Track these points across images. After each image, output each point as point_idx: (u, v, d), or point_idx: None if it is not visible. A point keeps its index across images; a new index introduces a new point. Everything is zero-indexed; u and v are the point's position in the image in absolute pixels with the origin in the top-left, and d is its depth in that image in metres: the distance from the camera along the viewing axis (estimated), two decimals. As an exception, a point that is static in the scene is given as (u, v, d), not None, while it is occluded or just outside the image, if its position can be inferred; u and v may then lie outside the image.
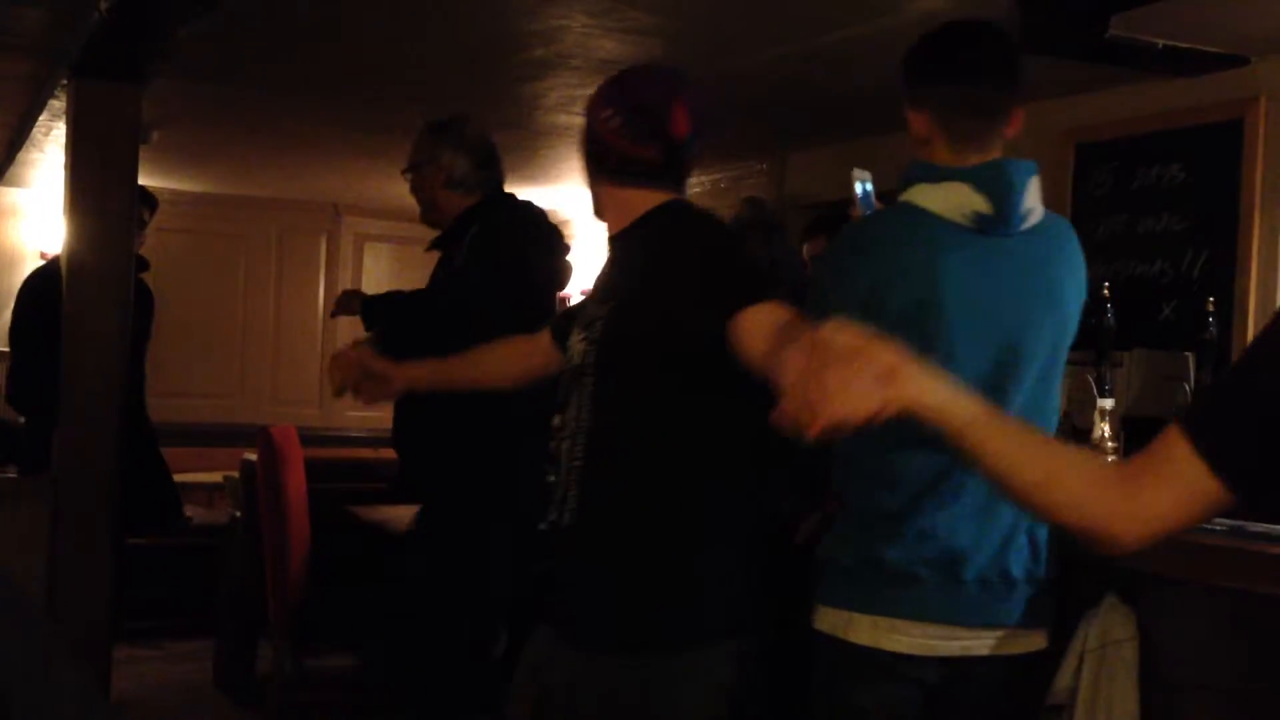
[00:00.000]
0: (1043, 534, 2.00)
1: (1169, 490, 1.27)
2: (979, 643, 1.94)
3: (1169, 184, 3.72)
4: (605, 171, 2.02)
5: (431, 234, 3.14)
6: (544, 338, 2.26)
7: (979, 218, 1.91)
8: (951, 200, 1.93)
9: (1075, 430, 2.86)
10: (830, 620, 1.93)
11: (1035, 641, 2.00)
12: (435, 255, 3.15)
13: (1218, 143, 3.58)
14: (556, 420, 1.98)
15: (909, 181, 1.99)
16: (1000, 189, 1.93)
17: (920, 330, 1.77)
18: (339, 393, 2.35)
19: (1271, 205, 3.51)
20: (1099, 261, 3.91)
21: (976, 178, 1.93)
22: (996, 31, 2.04)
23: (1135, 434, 2.81)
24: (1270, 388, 1.19)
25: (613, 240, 2.06)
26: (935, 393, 1.23)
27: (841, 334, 1.22)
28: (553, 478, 1.96)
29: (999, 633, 1.95)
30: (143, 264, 4.14)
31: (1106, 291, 2.85)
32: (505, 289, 2.91)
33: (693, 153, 2.02)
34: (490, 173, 3.09)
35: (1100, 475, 1.30)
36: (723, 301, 1.84)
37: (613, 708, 1.89)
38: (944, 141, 1.98)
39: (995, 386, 1.86)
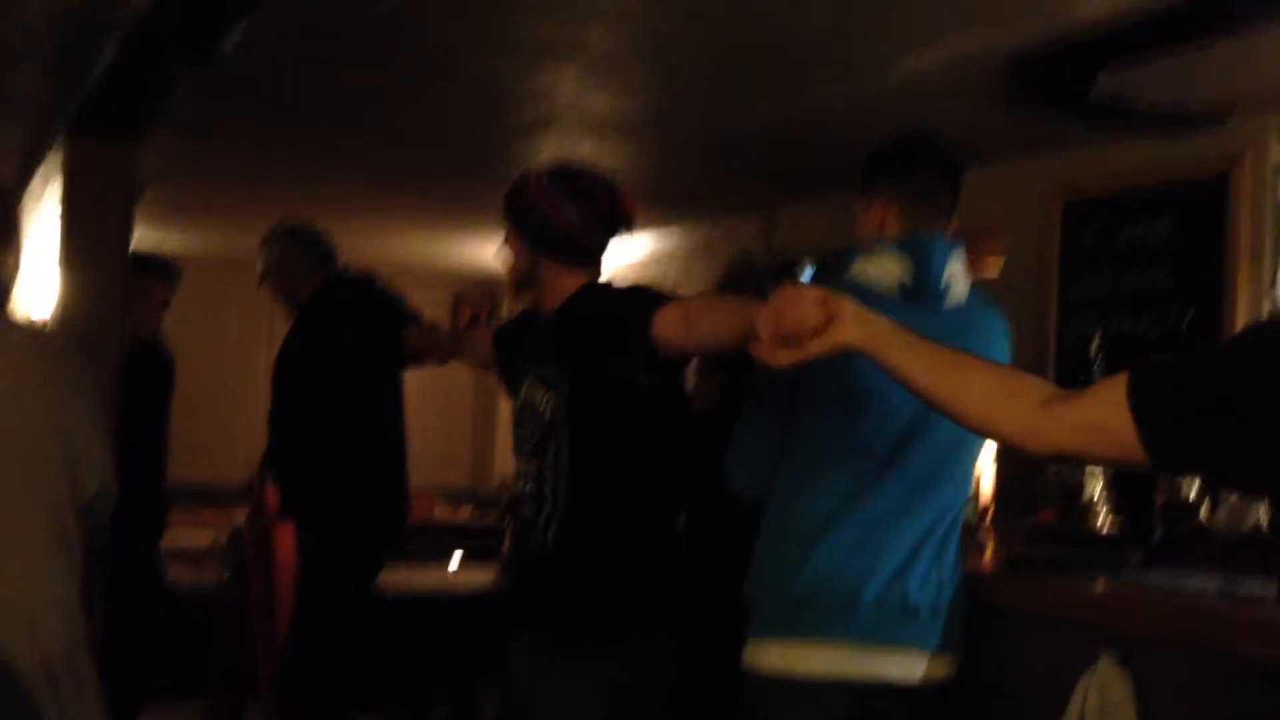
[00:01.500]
0: (948, 564, 2.15)
1: (1087, 412, 1.42)
2: (883, 666, 2.07)
3: (1155, 240, 3.75)
4: (552, 253, 2.40)
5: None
6: (489, 343, 2.79)
7: (902, 287, 2.16)
8: (881, 270, 2.18)
9: (1065, 488, 2.87)
10: (749, 654, 2.16)
11: (941, 667, 2.14)
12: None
13: (1203, 199, 3.62)
14: (532, 464, 2.37)
15: (849, 260, 2.28)
16: (920, 258, 2.19)
17: (842, 385, 2.08)
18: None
19: (1257, 260, 3.54)
20: (1086, 317, 3.94)
21: (901, 247, 2.18)
22: (948, 145, 2.44)
23: (1125, 490, 2.82)
24: (1213, 371, 1.32)
25: (554, 312, 2.43)
26: (866, 325, 1.61)
27: (802, 289, 1.65)
28: (531, 510, 2.36)
29: (901, 656, 2.09)
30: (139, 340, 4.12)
31: (1095, 348, 2.87)
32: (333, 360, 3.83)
33: (631, 227, 2.47)
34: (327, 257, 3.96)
35: (1016, 389, 1.54)
36: (638, 316, 2.19)
37: (589, 692, 2.27)
38: (896, 229, 2.25)
39: (897, 448, 2.14)
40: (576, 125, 3.99)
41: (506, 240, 2.47)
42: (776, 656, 2.08)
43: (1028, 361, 4.12)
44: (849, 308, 1.60)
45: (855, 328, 1.59)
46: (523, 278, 2.45)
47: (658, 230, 5.94)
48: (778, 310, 1.61)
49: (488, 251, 6.59)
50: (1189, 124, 3.57)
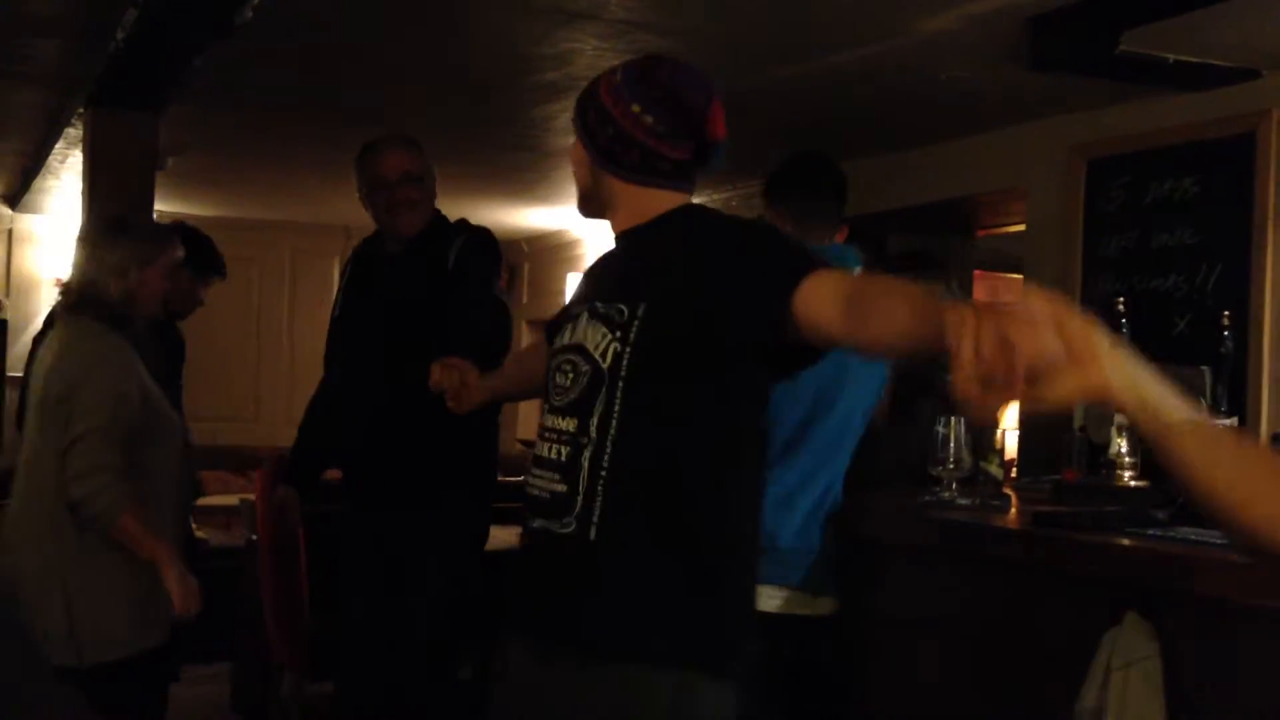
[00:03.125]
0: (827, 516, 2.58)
1: None
2: (785, 601, 2.48)
3: (1182, 198, 3.72)
4: (622, 167, 1.89)
5: None
6: (537, 348, 2.28)
7: None
8: None
9: (1091, 446, 2.86)
10: None
11: (827, 605, 2.59)
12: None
13: (1230, 156, 3.59)
14: (566, 423, 1.83)
15: None
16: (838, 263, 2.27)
17: None
18: (438, 392, 2.42)
19: (1284, 218, 3.51)
20: (1112, 276, 3.92)
21: (823, 253, 2.18)
22: (836, 166, 2.62)
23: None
24: None
25: (623, 236, 1.95)
26: (1137, 388, 1.12)
27: (1035, 299, 1.10)
28: (563, 485, 1.82)
29: (797, 593, 2.51)
30: (172, 313, 4.08)
31: (1121, 306, 2.86)
32: (495, 311, 3.11)
33: (721, 157, 1.95)
34: None
35: None
36: (780, 280, 1.69)
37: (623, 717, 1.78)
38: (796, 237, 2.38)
39: (801, 429, 2.47)
40: (596, 89, 3.98)
41: (573, 147, 1.97)
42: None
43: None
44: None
45: (1113, 376, 1.11)
46: (586, 193, 1.97)
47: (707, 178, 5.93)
48: (1000, 332, 1.11)
49: (503, 215, 6.60)
50: (1215, 80, 3.53)
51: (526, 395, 2.44)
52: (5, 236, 6.78)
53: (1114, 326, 2.81)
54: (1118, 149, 3.93)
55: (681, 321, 1.78)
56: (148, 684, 2.79)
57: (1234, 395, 3.03)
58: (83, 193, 3.91)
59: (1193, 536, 2.26)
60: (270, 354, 7.21)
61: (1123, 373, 1.11)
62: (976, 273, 5.63)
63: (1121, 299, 3.18)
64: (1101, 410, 2.83)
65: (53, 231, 6.79)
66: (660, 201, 1.91)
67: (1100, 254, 3.96)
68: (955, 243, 5.38)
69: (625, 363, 1.79)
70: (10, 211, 6.72)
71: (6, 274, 6.82)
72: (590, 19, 3.28)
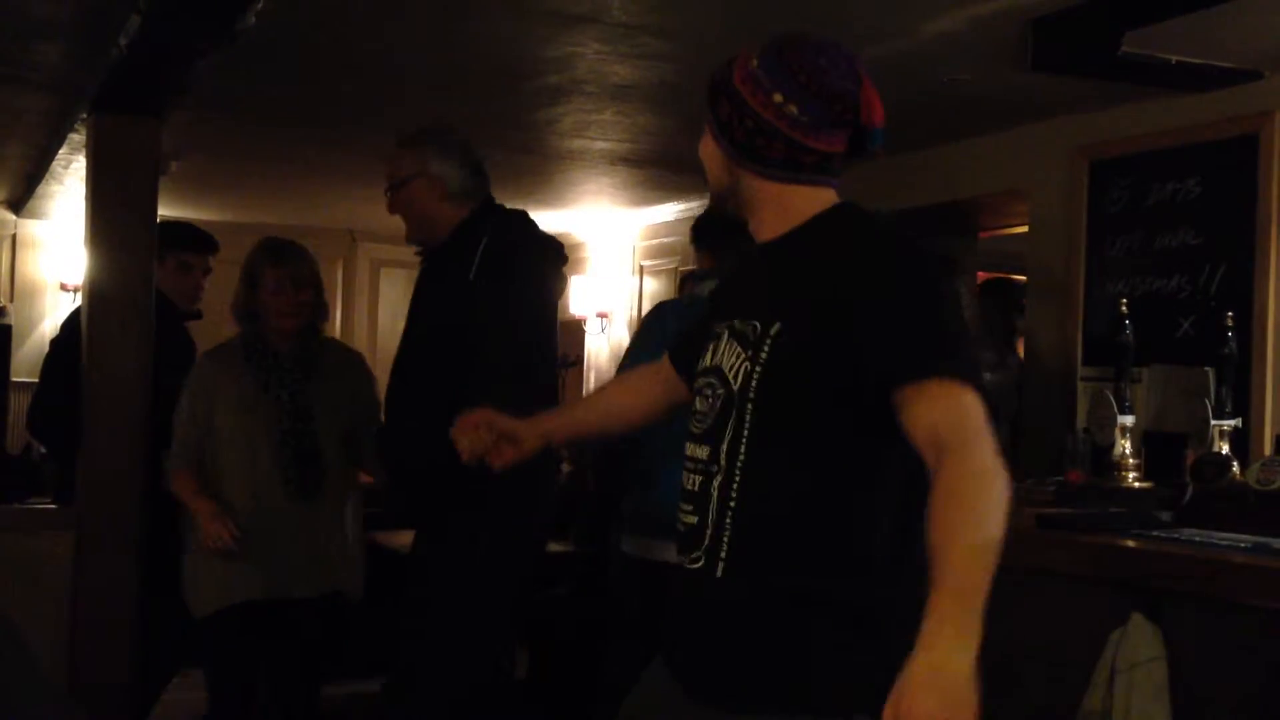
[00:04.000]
0: None
1: None
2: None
3: (1185, 199, 3.72)
4: (766, 164, 1.71)
5: None
6: (664, 366, 2.03)
7: None
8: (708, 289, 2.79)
9: (1095, 448, 2.86)
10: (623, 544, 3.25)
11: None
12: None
13: (1233, 157, 3.58)
14: (700, 450, 1.72)
15: (697, 283, 3.22)
16: None
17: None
18: (471, 460, 2.10)
19: (1287, 219, 3.51)
20: (1115, 277, 3.92)
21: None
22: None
23: (1156, 450, 2.81)
24: None
25: (769, 246, 1.76)
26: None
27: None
28: (694, 517, 1.70)
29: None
30: (188, 314, 4.09)
31: (1124, 308, 2.86)
32: (523, 306, 2.83)
33: (881, 144, 1.76)
34: (481, 180, 2.95)
35: None
36: (901, 363, 1.56)
37: None
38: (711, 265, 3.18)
39: None
40: (598, 92, 3.98)
41: (703, 142, 1.79)
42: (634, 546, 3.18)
43: (1056, 324, 4.12)
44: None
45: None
46: (722, 192, 1.79)
47: (680, 199, 5.93)
48: None
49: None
50: (1217, 82, 3.53)
51: (605, 435, 2.28)
52: (9, 242, 6.80)
53: (1117, 328, 2.81)
54: (1120, 150, 3.93)
55: (817, 344, 1.62)
56: (232, 636, 3.15)
57: (1238, 396, 3.02)
58: (86, 198, 3.91)
59: (1197, 538, 2.26)
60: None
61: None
62: (979, 274, 5.62)
63: (1125, 300, 3.18)
64: (1104, 412, 2.83)
65: (57, 237, 6.79)
66: (808, 200, 1.73)
67: (1103, 255, 3.96)
68: (958, 244, 5.38)
69: (755, 384, 1.64)
70: (14, 217, 6.73)
71: (11, 279, 6.83)
72: (592, 22, 3.28)
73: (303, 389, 3.18)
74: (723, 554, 1.66)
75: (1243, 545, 2.17)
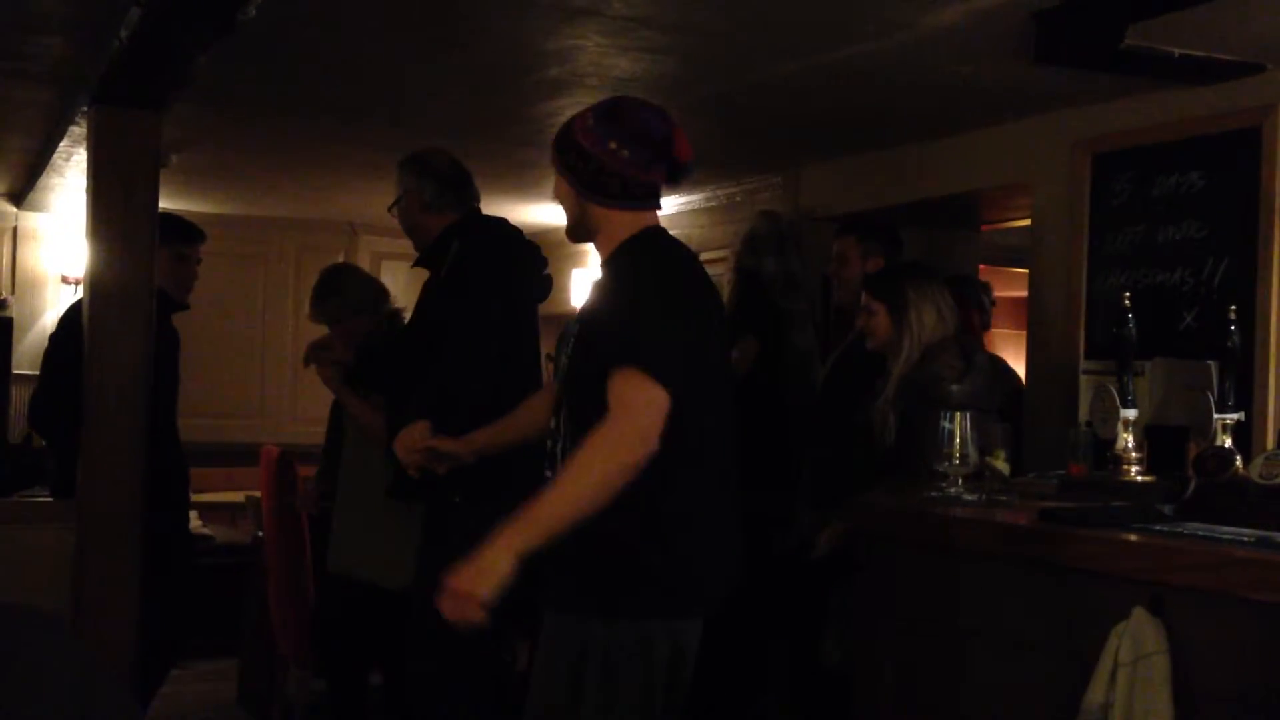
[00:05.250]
0: None
1: None
2: None
3: (1188, 192, 3.71)
4: (606, 196, 2.26)
5: None
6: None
7: None
8: None
9: (1098, 441, 2.86)
10: None
11: None
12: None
13: (1236, 150, 3.57)
14: (554, 423, 2.37)
15: None
16: None
17: None
18: (417, 474, 2.72)
19: (1291, 212, 3.50)
20: (1118, 270, 3.91)
21: None
22: None
23: (1158, 444, 2.80)
24: None
25: (603, 264, 2.32)
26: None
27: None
28: (549, 473, 2.37)
29: None
30: (177, 305, 4.11)
31: (1127, 301, 2.85)
32: (484, 303, 3.16)
33: (689, 172, 2.32)
34: (461, 193, 3.40)
35: None
36: (603, 357, 2.17)
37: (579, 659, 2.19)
38: None
39: None
40: (599, 85, 3.97)
41: (556, 185, 2.36)
42: None
43: (1059, 316, 4.11)
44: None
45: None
46: (575, 223, 2.33)
47: (680, 192, 5.91)
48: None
49: (508, 212, 6.59)
50: (1221, 74, 3.52)
51: (528, 440, 2.68)
52: (10, 234, 6.79)
53: (1120, 321, 2.80)
54: (1123, 143, 3.92)
55: (590, 345, 2.26)
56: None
57: (1241, 390, 3.02)
58: (87, 191, 3.90)
59: (1200, 532, 2.26)
60: (275, 351, 7.21)
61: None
62: (981, 267, 5.62)
63: (1128, 293, 3.17)
64: (1106, 406, 2.83)
65: (58, 229, 6.79)
66: (633, 222, 2.29)
67: (1106, 248, 3.96)
68: (960, 237, 5.38)
69: (566, 374, 2.34)
70: (15, 209, 6.72)
71: (12, 272, 6.82)
72: (593, 15, 3.27)
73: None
74: None
75: (1245, 539, 2.16)
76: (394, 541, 3.50)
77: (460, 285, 3.18)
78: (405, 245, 4.26)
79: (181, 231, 4.10)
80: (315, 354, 3.77)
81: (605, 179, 2.24)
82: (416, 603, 3.11)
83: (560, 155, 2.30)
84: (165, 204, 4.06)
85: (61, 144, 4.80)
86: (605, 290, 2.28)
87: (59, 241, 6.80)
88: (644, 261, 2.27)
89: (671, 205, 6.25)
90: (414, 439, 2.69)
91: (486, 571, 2.02)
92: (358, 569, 3.74)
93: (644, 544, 2.17)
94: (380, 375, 3.45)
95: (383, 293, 4.05)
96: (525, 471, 2.99)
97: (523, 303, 3.34)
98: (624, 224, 2.28)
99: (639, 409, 2.10)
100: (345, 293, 3.94)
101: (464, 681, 3.10)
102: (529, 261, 3.37)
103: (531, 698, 2.27)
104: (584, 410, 2.21)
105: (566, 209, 2.32)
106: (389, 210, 3.49)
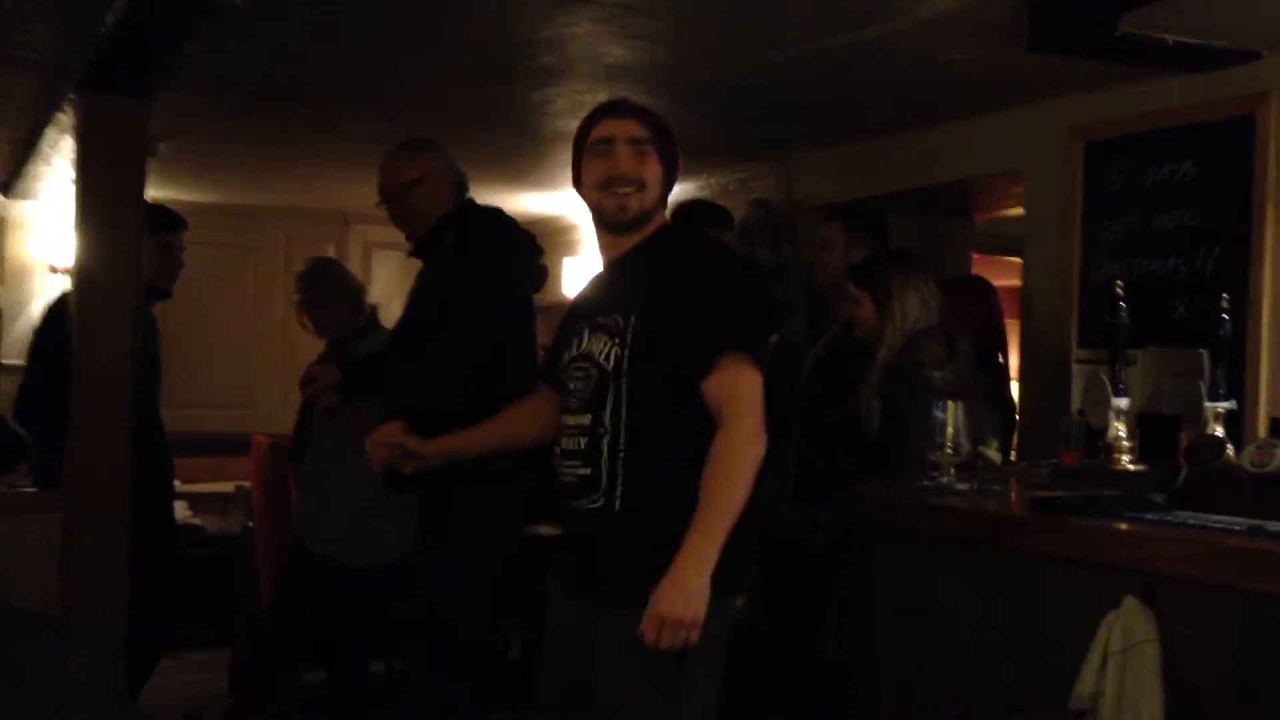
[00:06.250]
0: None
1: None
2: None
3: (1181, 180, 3.70)
4: (671, 190, 2.38)
5: None
6: (548, 391, 2.49)
7: None
8: None
9: (1090, 430, 2.85)
10: None
11: None
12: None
13: (1230, 138, 3.56)
14: (582, 419, 2.25)
15: None
16: None
17: None
18: (382, 471, 2.64)
19: (1283, 201, 3.49)
20: (1111, 258, 3.90)
21: None
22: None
23: (1150, 432, 2.79)
24: None
25: (624, 256, 2.35)
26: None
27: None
28: (587, 469, 2.23)
29: None
30: (161, 293, 4.12)
31: (1119, 290, 2.84)
32: (483, 294, 3.13)
33: None
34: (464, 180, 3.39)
35: None
36: (701, 355, 2.19)
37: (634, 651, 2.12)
38: None
39: None
40: (590, 74, 3.95)
41: (649, 168, 2.34)
42: None
43: (1052, 304, 4.10)
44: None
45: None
46: (649, 210, 2.35)
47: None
48: None
49: (499, 200, 6.56)
50: (1214, 62, 3.51)
51: (507, 451, 2.65)
52: (-1, 223, 6.75)
53: (1112, 310, 2.79)
54: (1117, 131, 3.91)
55: (662, 331, 2.22)
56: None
57: (1233, 378, 3.01)
58: (75, 180, 3.88)
59: (1191, 521, 2.25)
60: (265, 340, 7.18)
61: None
62: (975, 256, 5.61)
63: (1120, 282, 3.16)
64: (1098, 394, 2.82)
65: (46, 218, 6.75)
66: (661, 218, 2.40)
67: (1099, 237, 3.95)
68: (953, 226, 5.36)
69: (626, 363, 2.22)
70: (3, 198, 6.68)
71: (0, 261, 6.79)
72: (585, 2, 3.25)
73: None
74: (618, 494, 2.21)
75: (1237, 528, 2.16)
76: (359, 518, 3.68)
77: (459, 275, 3.15)
78: (399, 235, 4.20)
79: (165, 220, 4.10)
80: (307, 390, 3.60)
81: (677, 177, 2.40)
82: (420, 593, 3.13)
83: (662, 142, 2.34)
84: (153, 193, 4.04)
85: (49, 132, 4.77)
86: (688, 278, 2.25)
87: (47, 230, 6.76)
88: (714, 247, 2.41)
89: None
90: (386, 434, 2.62)
91: (695, 594, 2.06)
92: (327, 546, 3.84)
93: (741, 525, 2.15)
94: (374, 378, 3.39)
95: (363, 290, 4.15)
96: (523, 461, 2.95)
97: (520, 292, 3.32)
98: (661, 217, 2.41)
99: (757, 398, 2.17)
100: (330, 278, 4.03)
101: (461, 670, 3.11)
102: (526, 250, 3.34)
103: (618, 684, 2.20)
104: (649, 401, 2.20)
105: (649, 196, 2.33)
106: (403, 191, 3.31)
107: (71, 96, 4.01)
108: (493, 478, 3.01)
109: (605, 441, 2.21)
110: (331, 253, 7.26)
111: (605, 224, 2.36)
